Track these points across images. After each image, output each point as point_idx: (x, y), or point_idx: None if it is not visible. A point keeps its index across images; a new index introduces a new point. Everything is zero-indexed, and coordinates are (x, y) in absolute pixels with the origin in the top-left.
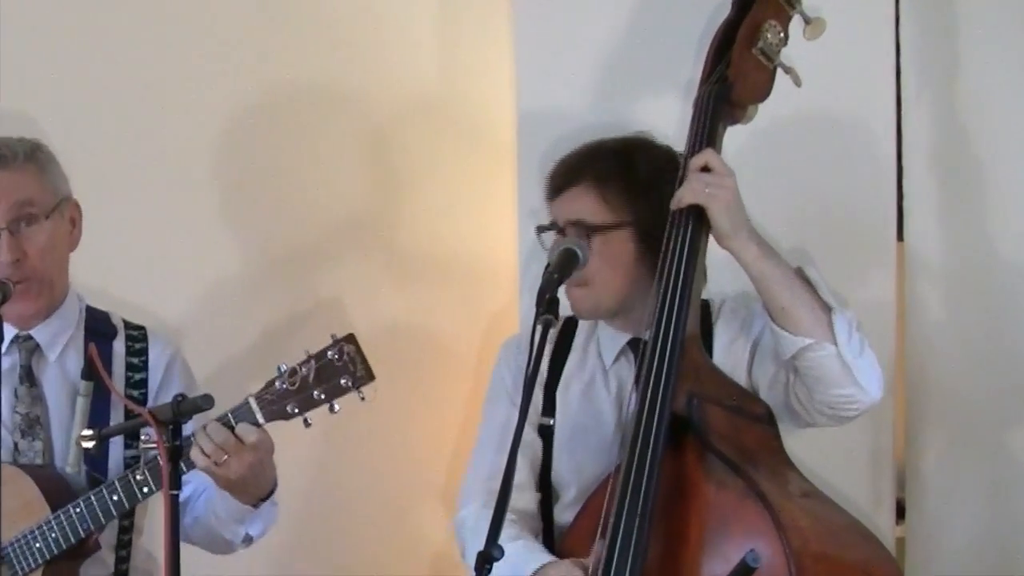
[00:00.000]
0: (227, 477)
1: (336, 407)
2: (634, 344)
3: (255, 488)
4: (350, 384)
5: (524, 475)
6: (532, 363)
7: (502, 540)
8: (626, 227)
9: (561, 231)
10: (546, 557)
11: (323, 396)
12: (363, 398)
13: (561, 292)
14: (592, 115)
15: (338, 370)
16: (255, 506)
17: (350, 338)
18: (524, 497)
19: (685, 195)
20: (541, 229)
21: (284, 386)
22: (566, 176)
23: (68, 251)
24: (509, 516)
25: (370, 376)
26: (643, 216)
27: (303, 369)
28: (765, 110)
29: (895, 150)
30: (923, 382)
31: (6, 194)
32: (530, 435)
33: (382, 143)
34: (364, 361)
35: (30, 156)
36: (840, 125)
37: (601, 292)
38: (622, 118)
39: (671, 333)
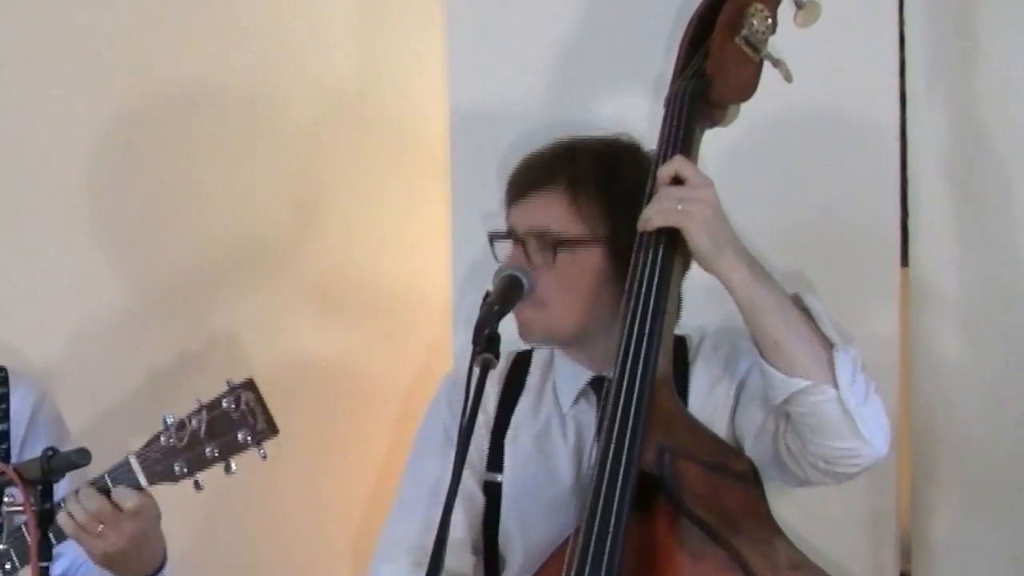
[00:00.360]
0: (104, 551)
1: (233, 466)
2: (597, 384)
3: (139, 564)
4: (249, 439)
5: (460, 532)
6: (468, 411)
7: None
8: (599, 243)
9: (520, 241)
10: None
11: (217, 454)
12: (264, 456)
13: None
14: (541, 117)
15: (235, 423)
16: None
17: (249, 384)
18: (459, 559)
19: (653, 215)
20: (495, 237)
21: (171, 442)
22: (535, 177)
23: None
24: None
25: (272, 430)
26: (621, 232)
27: (193, 421)
28: (749, 111)
29: (899, 158)
30: (932, 434)
31: None
32: (470, 487)
33: (292, 151)
34: (265, 411)
35: None
36: (835, 129)
37: (558, 315)
38: (578, 120)
39: (638, 375)
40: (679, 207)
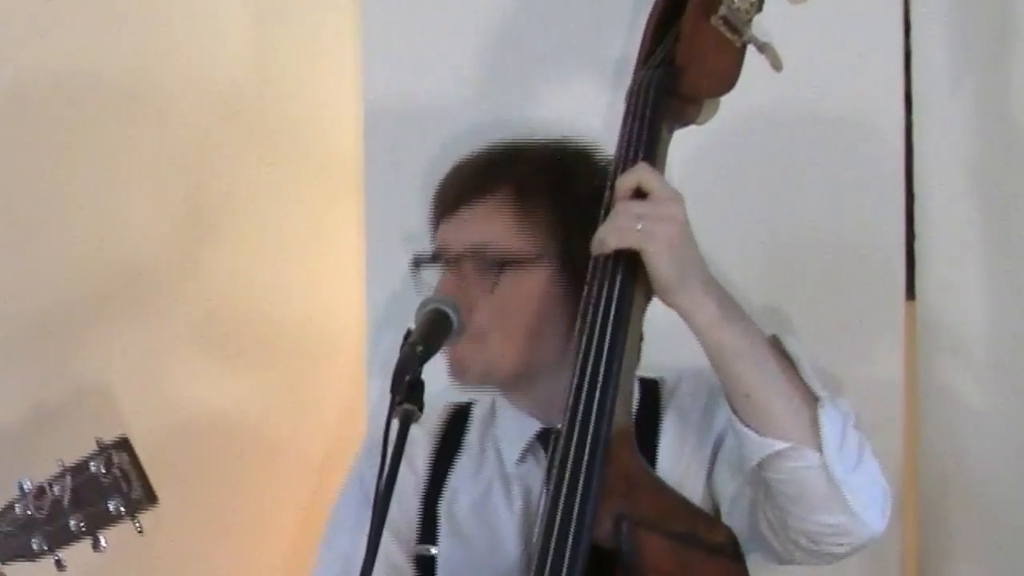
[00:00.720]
0: None
1: (103, 542)
2: (546, 437)
3: None
4: (122, 510)
5: None
6: (386, 472)
7: None
8: (548, 262)
9: (453, 263)
10: None
11: (83, 527)
12: (140, 530)
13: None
14: (472, 117)
15: (105, 489)
16: None
17: (122, 444)
18: None
19: (608, 235)
20: (421, 262)
21: (28, 512)
22: (471, 185)
23: None
24: None
25: (150, 498)
26: (574, 250)
27: (55, 488)
28: (728, 108)
29: (903, 168)
30: (943, 498)
31: None
32: (397, 561)
33: (176, 159)
34: (142, 476)
35: None
36: (829, 132)
37: (498, 350)
38: (518, 119)
39: (590, 428)
40: (639, 226)
